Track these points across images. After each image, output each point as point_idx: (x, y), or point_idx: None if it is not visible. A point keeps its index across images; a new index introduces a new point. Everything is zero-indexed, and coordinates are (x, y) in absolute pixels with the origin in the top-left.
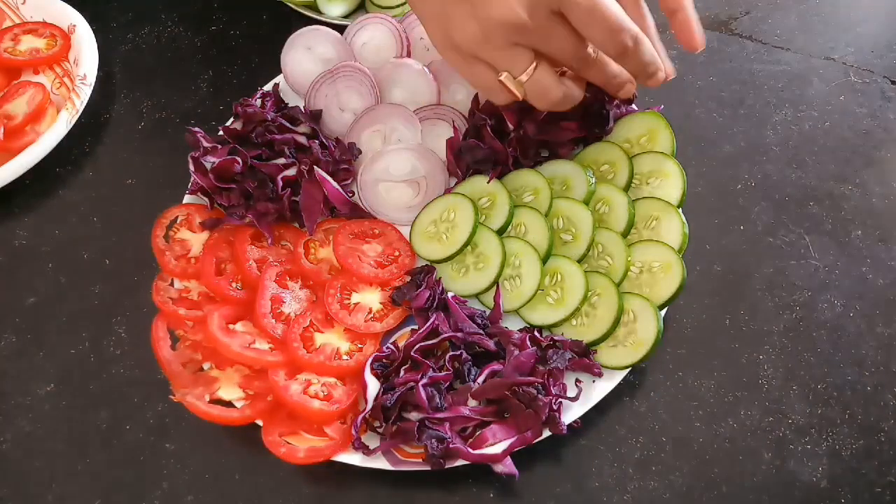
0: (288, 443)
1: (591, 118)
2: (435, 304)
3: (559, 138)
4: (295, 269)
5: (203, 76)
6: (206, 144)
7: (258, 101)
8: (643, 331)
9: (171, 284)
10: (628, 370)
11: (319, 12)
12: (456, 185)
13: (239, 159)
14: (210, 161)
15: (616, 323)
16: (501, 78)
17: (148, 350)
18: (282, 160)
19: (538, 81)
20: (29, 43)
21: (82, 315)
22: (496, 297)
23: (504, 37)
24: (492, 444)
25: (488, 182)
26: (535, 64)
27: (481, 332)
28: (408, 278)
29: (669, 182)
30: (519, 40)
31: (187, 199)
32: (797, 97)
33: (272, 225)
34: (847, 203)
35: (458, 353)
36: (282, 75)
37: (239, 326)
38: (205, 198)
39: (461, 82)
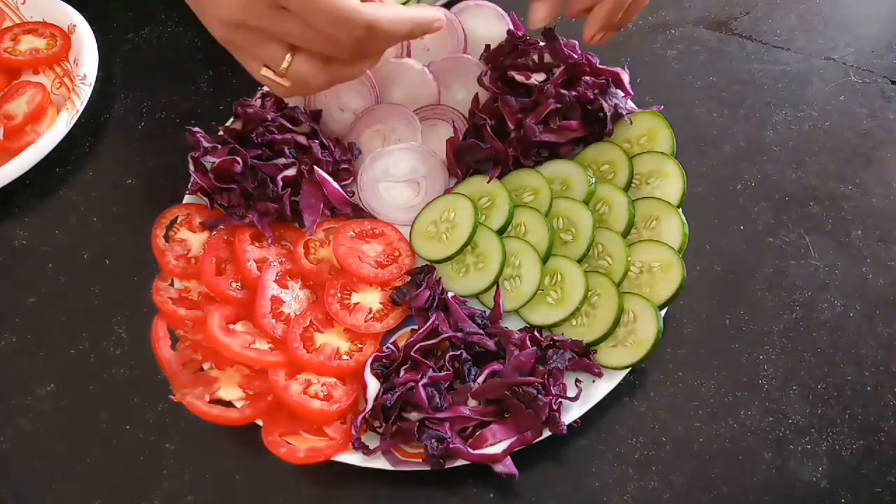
0: (288, 443)
1: (591, 118)
2: (435, 304)
3: (559, 138)
4: (295, 269)
5: (203, 76)
6: (206, 144)
7: (258, 101)
8: (643, 331)
9: (171, 284)
10: (628, 370)
11: None
12: (456, 185)
13: (239, 159)
14: (210, 161)
15: (616, 323)
16: (262, 72)
17: (148, 350)
18: (282, 160)
19: (296, 73)
20: (29, 43)
21: (82, 315)
22: (496, 297)
23: (236, 34)
24: (492, 444)
25: (488, 182)
26: (289, 55)
27: (481, 332)
28: (408, 278)
29: (669, 182)
30: (255, 36)
31: (187, 199)
32: (797, 97)
33: (272, 225)
34: (847, 203)
35: (458, 353)
36: None
37: (239, 326)
38: (205, 198)
39: (461, 82)
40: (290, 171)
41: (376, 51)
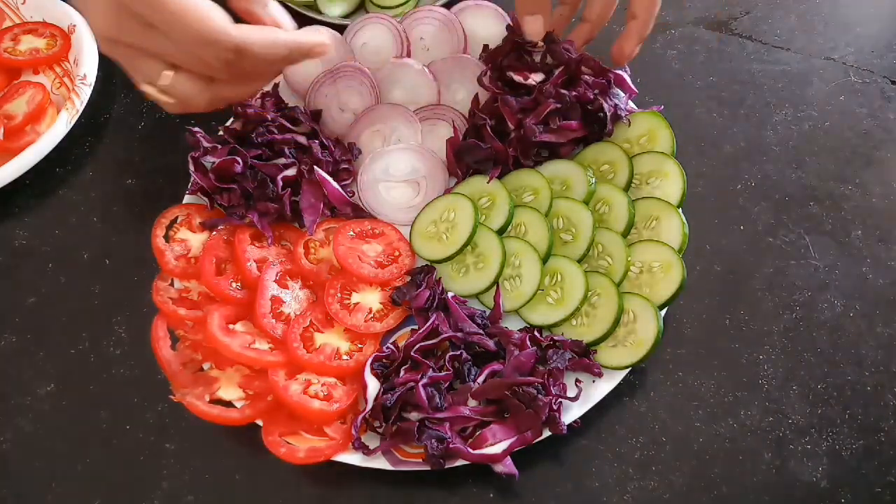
0: (288, 443)
1: (591, 118)
2: (435, 304)
3: (559, 138)
4: (295, 269)
5: None
6: (206, 144)
7: (258, 101)
8: (643, 331)
9: (171, 284)
10: (628, 370)
11: (319, 12)
12: (456, 185)
13: (239, 159)
14: (210, 161)
15: (616, 323)
16: (144, 87)
17: (148, 350)
18: (282, 160)
19: (178, 91)
20: (29, 43)
21: (82, 315)
22: (496, 297)
23: (114, 49)
24: (492, 444)
25: (488, 182)
26: (171, 72)
27: (481, 332)
28: (408, 278)
29: (669, 182)
30: (131, 52)
31: (187, 199)
32: (797, 97)
33: (272, 225)
34: (847, 203)
35: (458, 353)
36: (282, 75)
37: (239, 326)
38: (205, 198)
39: (461, 82)
40: (290, 171)
41: (257, 72)
